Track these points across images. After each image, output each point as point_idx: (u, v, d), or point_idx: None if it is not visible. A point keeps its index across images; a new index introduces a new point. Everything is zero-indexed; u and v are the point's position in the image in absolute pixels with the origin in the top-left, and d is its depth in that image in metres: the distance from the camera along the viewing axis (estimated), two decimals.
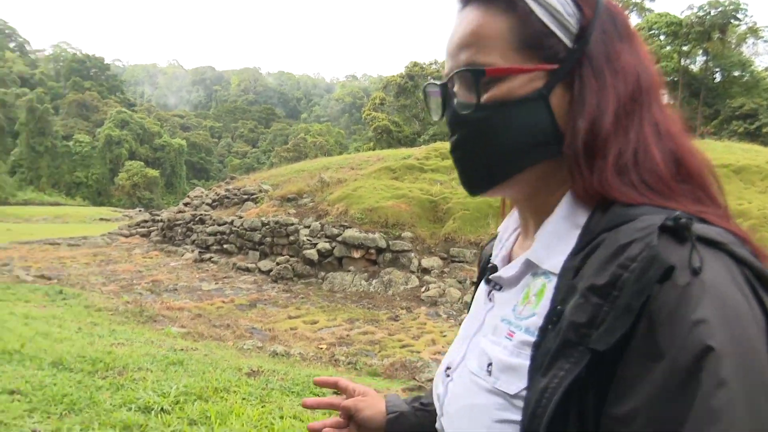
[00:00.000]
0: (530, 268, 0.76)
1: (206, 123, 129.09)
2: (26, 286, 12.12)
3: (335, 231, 14.43)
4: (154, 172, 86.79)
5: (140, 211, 56.81)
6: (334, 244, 14.32)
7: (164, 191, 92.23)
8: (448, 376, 0.84)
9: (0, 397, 4.53)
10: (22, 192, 79.58)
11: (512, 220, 0.91)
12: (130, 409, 4.40)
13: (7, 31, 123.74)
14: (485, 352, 0.76)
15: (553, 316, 0.65)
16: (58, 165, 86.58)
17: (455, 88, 0.77)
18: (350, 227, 14.33)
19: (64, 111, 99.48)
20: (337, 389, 1.16)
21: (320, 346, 9.28)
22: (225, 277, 15.75)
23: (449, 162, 17.38)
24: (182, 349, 7.10)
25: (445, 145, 18.12)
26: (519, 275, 0.78)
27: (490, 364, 0.73)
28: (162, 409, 4.47)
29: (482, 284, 0.89)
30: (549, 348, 0.63)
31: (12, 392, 4.69)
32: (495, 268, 0.84)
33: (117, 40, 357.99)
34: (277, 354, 7.89)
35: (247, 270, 16.02)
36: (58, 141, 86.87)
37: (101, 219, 41.23)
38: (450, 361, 0.86)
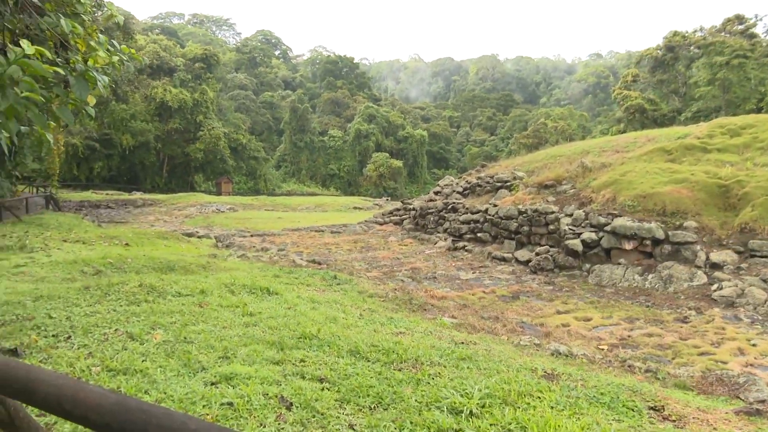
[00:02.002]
0: None
1: (445, 113, 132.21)
2: (303, 270, 13.05)
3: (602, 220, 13.25)
4: (398, 163, 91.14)
5: (387, 199, 60.03)
6: (600, 234, 13.16)
7: (407, 180, 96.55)
8: None
9: (311, 385, 4.58)
10: (285, 183, 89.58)
11: None
12: (440, 409, 4.12)
13: (273, 41, 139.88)
14: None
15: None
16: (315, 158, 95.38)
17: None
18: (620, 216, 13.04)
19: (320, 109, 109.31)
20: None
21: (600, 347, 8.41)
22: (481, 267, 15.50)
23: (740, 140, 15.00)
24: (462, 342, 6.81)
25: (733, 121, 15.64)
26: None
27: None
28: (471, 412, 4.11)
29: None
30: None
31: (321, 380, 4.73)
32: None
33: (365, 40, 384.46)
34: (560, 354, 7.24)
35: (503, 260, 15.57)
36: (315, 137, 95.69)
37: (355, 207, 44.26)
38: None
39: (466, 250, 17.53)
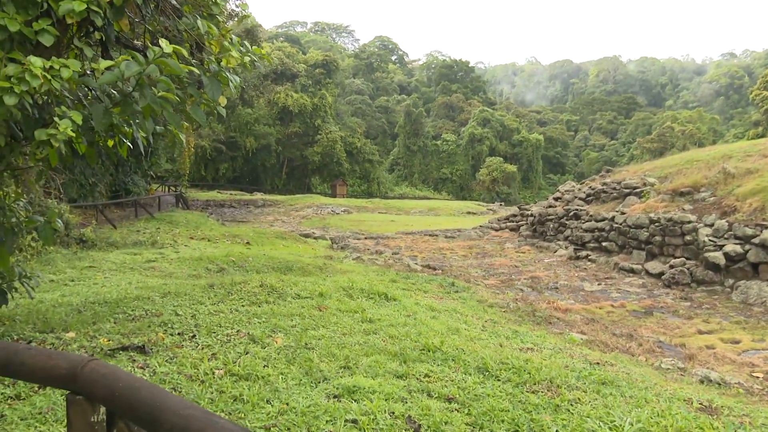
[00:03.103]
0: None
1: (563, 117, 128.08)
2: (419, 275, 12.77)
3: (749, 231, 11.94)
4: (512, 168, 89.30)
5: (501, 205, 58.81)
6: (747, 246, 11.86)
7: (521, 186, 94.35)
8: None
9: (438, 404, 4.24)
10: (398, 187, 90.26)
11: None
12: None
13: (390, 47, 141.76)
14: None
15: None
16: (428, 162, 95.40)
17: None
18: None
19: (434, 113, 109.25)
20: None
21: (754, 374, 7.44)
22: (607, 278, 14.52)
23: None
24: (598, 363, 6.21)
25: None
26: None
27: None
28: None
29: None
30: None
31: (449, 399, 4.38)
32: None
33: (481, 44, 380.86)
34: (710, 381, 6.44)
35: (632, 271, 14.49)
36: (428, 141, 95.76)
37: (468, 212, 43.61)
38: None
39: (590, 260, 16.53)
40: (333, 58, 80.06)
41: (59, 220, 5.89)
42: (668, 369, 6.95)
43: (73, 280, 10.12)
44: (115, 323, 6.43)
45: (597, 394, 4.74)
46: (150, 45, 4.98)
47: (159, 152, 30.02)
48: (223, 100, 5.95)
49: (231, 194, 49.49)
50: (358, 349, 5.61)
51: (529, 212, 23.83)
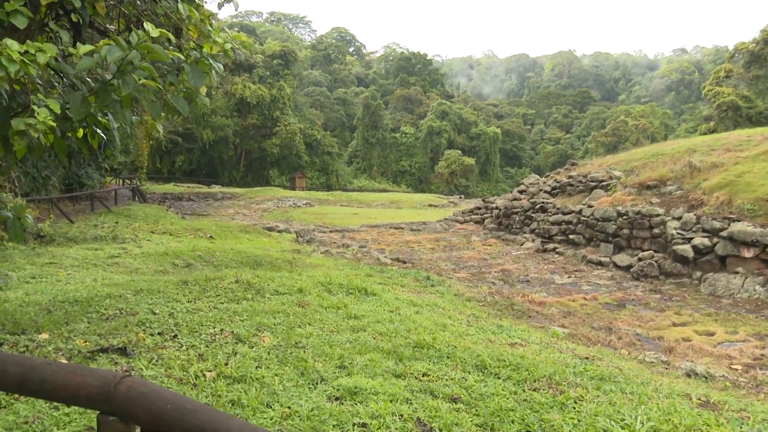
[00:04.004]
0: None
1: (519, 110, 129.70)
2: (394, 269, 12.64)
3: (717, 224, 12.20)
4: (470, 160, 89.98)
5: (461, 197, 59.18)
6: (715, 239, 12.12)
7: (479, 178, 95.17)
8: None
9: (444, 405, 4.11)
10: (357, 179, 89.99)
11: None
12: None
13: (347, 38, 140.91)
14: None
15: None
16: (386, 155, 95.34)
17: None
18: (738, 220, 11.96)
19: (392, 105, 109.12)
20: None
21: (733, 366, 7.56)
22: (576, 270, 14.67)
23: None
24: (587, 358, 6.19)
25: None
26: None
27: None
28: None
29: None
30: None
31: (454, 399, 4.25)
32: None
33: (438, 36, 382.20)
34: (696, 375, 6.49)
35: (600, 264, 14.69)
36: (387, 133, 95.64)
37: (430, 205, 43.70)
38: None
39: (557, 253, 16.69)
40: (291, 49, 79.06)
41: (29, 216, 5.54)
42: (652, 363, 6.99)
43: (34, 277, 9.63)
44: (89, 323, 6.10)
45: (598, 391, 4.68)
46: (133, 29, 4.67)
47: (113, 144, 29.04)
48: (203, 89, 5.67)
49: (188, 187, 48.40)
50: (350, 348, 5.44)
51: (494, 205, 23.96)
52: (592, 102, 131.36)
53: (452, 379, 4.69)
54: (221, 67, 5.31)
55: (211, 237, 19.69)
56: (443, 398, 4.25)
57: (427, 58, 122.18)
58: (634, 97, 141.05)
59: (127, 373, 1.66)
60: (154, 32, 4.18)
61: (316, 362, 4.94)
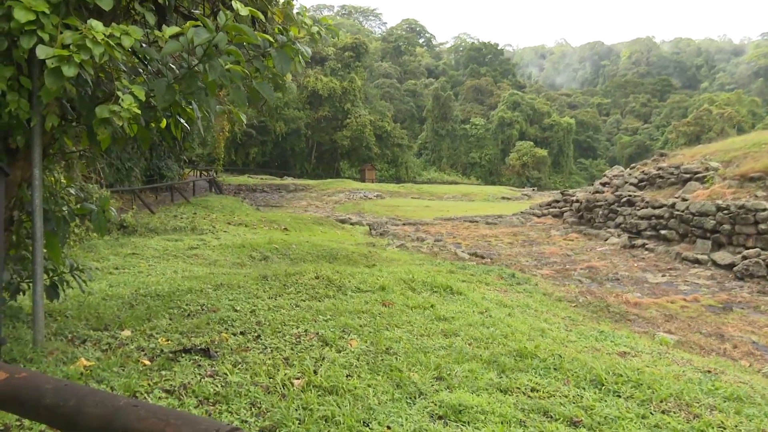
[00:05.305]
0: None
1: (594, 100, 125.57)
2: (476, 266, 12.11)
3: None
4: (542, 152, 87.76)
5: (534, 189, 57.67)
6: None
7: (551, 170, 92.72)
8: None
9: (563, 430, 3.61)
10: (426, 171, 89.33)
11: None
12: None
13: (417, 29, 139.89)
14: None
15: None
16: (456, 147, 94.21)
17: None
18: None
19: (463, 96, 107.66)
20: None
21: None
22: (669, 269, 13.69)
23: None
24: (708, 372, 5.51)
25: None
26: None
27: None
28: None
29: None
30: None
31: (573, 423, 3.73)
32: None
33: (509, 26, 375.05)
34: None
35: (697, 262, 13.64)
36: (456, 125, 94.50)
37: (503, 198, 42.66)
38: None
39: (647, 249, 15.68)
40: (362, 41, 79.05)
41: (112, 209, 5.36)
42: None
43: (117, 268, 9.67)
44: (170, 320, 5.91)
45: (740, 416, 4.05)
46: (222, 8, 4.35)
47: (193, 136, 29.64)
48: (288, 76, 5.34)
49: (262, 179, 49.17)
50: (444, 355, 4.99)
51: (574, 198, 22.92)
52: (672, 90, 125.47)
53: (566, 397, 4.17)
54: (309, 51, 4.93)
55: (285, 229, 19.68)
56: (561, 421, 3.74)
57: (498, 48, 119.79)
58: (717, 84, 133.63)
59: (234, 427, 1.25)
60: (243, 10, 3.84)
61: (411, 372, 4.52)
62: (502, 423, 3.60)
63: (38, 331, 4.68)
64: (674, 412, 4.01)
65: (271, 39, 4.37)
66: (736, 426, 3.84)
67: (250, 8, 3.89)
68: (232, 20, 3.98)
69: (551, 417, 3.80)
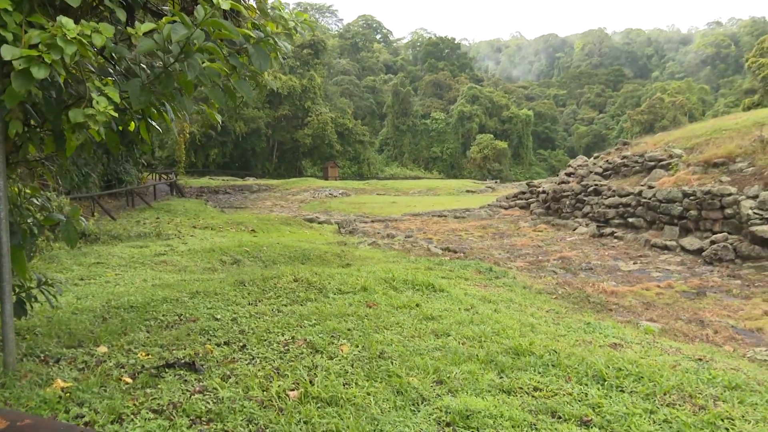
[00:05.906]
0: None
1: (550, 92, 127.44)
2: (449, 261, 12.03)
3: None
4: (502, 144, 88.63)
5: (496, 182, 58.16)
6: None
7: (512, 162, 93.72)
8: None
9: (573, 428, 3.50)
10: (388, 167, 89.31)
11: None
12: None
13: (374, 25, 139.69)
14: None
15: None
16: (417, 141, 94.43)
17: None
18: None
19: (422, 91, 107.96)
20: None
21: None
22: (640, 256, 13.85)
23: None
24: (700, 359, 5.50)
25: None
26: None
27: None
28: None
29: None
30: None
31: (584, 423, 3.63)
32: None
33: (465, 20, 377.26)
34: None
35: (666, 248, 13.84)
36: (417, 120, 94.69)
37: (467, 191, 42.88)
38: None
39: (616, 237, 15.86)
40: (320, 38, 78.50)
41: (82, 219, 5.06)
42: (765, 360, 6.27)
43: (82, 279, 9.27)
44: (148, 332, 5.62)
45: (744, 406, 4.01)
46: (201, 2, 4.10)
47: (152, 138, 28.92)
48: (265, 74, 5.11)
49: (224, 180, 48.38)
50: (441, 357, 4.84)
51: (540, 189, 23.10)
52: (625, 80, 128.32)
53: (571, 395, 4.07)
54: (288, 46, 4.72)
55: (253, 230, 19.31)
56: (572, 421, 3.63)
57: (455, 42, 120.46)
58: (668, 73, 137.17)
59: None
60: (225, 4, 3.61)
61: (410, 377, 4.36)
62: (513, 427, 3.47)
63: (9, 353, 4.35)
64: (680, 405, 3.94)
65: (251, 34, 4.14)
66: (743, 416, 3.79)
67: (231, 2, 3.66)
68: (212, 15, 3.75)
69: (560, 417, 3.69)
